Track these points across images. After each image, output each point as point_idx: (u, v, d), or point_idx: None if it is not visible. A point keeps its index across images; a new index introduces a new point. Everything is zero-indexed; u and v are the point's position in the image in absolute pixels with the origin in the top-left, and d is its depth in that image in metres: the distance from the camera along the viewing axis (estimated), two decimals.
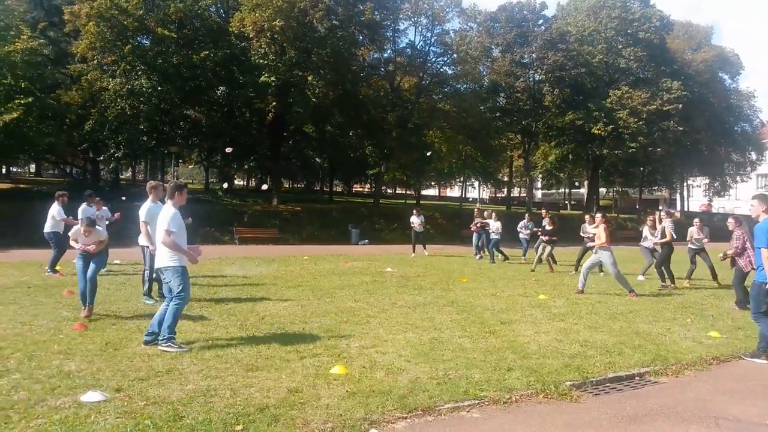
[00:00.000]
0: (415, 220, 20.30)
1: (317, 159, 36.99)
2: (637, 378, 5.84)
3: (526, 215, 20.25)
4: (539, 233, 16.28)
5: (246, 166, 36.00)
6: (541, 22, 43.05)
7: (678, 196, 68.03)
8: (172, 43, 26.23)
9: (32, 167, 57.50)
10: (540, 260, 15.75)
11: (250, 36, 26.49)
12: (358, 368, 5.62)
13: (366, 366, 5.70)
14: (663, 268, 12.68)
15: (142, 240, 8.69)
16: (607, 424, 4.54)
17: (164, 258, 6.36)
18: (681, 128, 40.13)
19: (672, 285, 12.48)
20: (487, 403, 4.87)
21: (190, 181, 67.74)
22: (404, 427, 4.32)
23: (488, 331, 7.42)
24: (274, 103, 26.96)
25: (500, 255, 18.23)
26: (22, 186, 34.41)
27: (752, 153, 54.95)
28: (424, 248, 20.45)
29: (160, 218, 6.41)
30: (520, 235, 18.82)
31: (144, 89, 25.08)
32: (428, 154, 32.67)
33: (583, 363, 6.05)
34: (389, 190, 69.87)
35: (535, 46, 39.52)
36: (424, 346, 6.54)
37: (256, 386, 4.99)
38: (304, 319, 7.82)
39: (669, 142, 40.93)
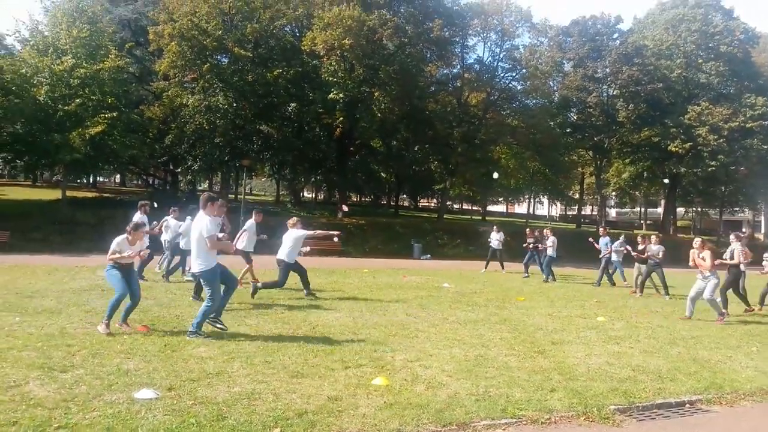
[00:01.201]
0: (494, 237, 20.21)
1: (382, 173, 37.43)
2: (687, 405, 5.63)
3: (622, 236, 18.60)
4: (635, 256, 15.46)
5: (313, 179, 36.92)
6: (616, 36, 42.02)
7: (762, 218, 64.07)
8: (248, 61, 27.47)
9: (117, 178, 61.35)
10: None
11: (321, 54, 27.32)
12: (399, 380, 5.73)
13: (408, 379, 5.80)
14: (733, 291, 12.01)
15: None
16: None
17: (195, 264, 7.28)
18: (766, 146, 37.89)
19: (749, 308, 11.86)
20: (524, 422, 4.86)
21: (263, 193, 70.11)
22: None
23: (537, 351, 7.34)
24: (341, 119, 27.62)
25: (550, 275, 17.73)
26: (106, 195, 36.80)
27: None
28: (502, 266, 20.03)
29: (195, 227, 7.22)
30: (614, 257, 17.21)
31: (220, 105, 26.34)
32: (495, 176, 32.36)
33: (632, 387, 5.89)
34: (456, 206, 69.53)
35: (608, 60, 38.51)
36: (469, 362, 6.56)
37: (299, 392, 5.20)
38: (354, 331, 8.00)
39: (752, 160, 38.74)
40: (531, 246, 19.04)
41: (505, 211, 74.54)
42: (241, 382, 5.37)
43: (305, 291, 11.17)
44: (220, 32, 26.57)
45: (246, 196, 49.95)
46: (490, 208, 75.31)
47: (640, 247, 14.90)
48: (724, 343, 8.46)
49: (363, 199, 65.12)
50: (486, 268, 20.11)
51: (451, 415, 4.81)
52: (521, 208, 77.95)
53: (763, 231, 61.52)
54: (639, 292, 14.50)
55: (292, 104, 28.19)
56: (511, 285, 15.85)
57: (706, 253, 10.56)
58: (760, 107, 38.33)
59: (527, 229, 21.43)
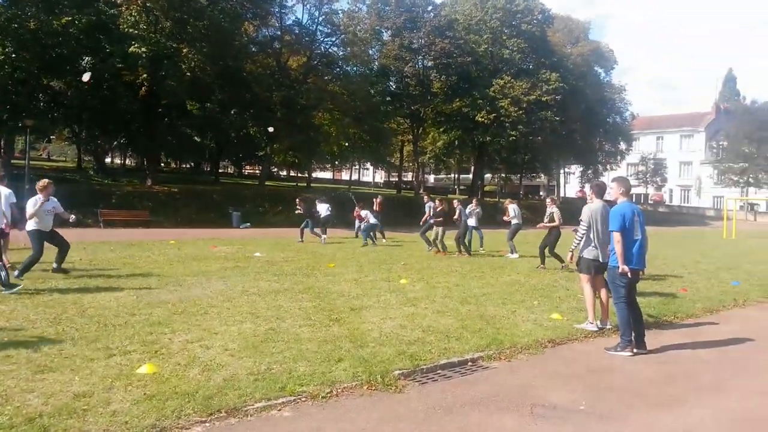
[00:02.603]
0: (322, 207, 19.97)
1: (197, 138, 35.09)
2: (470, 363, 5.74)
3: (474, 200, 18.28)
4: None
5: (115, 143, 33.45)
6: (430, 8, 43.49)
7: (556, 183, 72.32)
8: (31, 6, 23.63)
9: None
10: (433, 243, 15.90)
11: (119, 3, 24.41)
12: (171, 366, 5.07)
13: (182, 363, 5.16)
14: (548, 251, 13.00)
15: None
16: (422, 416, 4.34)
17: None
18: (558, 118, 42.28)
19: (543, 266, 12.90)
20: (303, 399, 4.52)
21: (64, 159, 62.36)
22: None
23: (334, 318, 7.12)
24: (145, 76, 25.10)
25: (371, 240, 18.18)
26: None
27: (622, 143, 59.26)
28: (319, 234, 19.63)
29: None
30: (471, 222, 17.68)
31: None
32: (270, 129, 29.98)
33: (419, 350, 5.87)
34: (282, 173, 68.34)
35: (423, 32, 39.81)
36: (258, 337, 6.10)
37: (39, 390, 4.33)
38: (133, 311, 7.09)
39: (547, 131, 43.04)
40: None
41: (332, 177, 75.11)
42: None
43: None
44: None
45: (38, 163, 43.95)
46: (318, 174, 75.37)
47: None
48: (510, 299, 9.00)
49: (183, 165, 61.19)
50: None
51: (222, 401, 4.31)
52: (347, 175, 79.22)
53: (555, 194, 69.40)
54: (440, 251, 15.34)
55: (86, 57, 24.91)
56: (325, 252, 15.70)
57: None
58: (554, 82, 42.49)
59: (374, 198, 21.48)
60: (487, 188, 64.81)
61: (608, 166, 59.76)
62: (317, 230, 18.97)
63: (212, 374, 4.91)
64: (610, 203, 6.79)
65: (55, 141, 51.29)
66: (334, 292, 9.06)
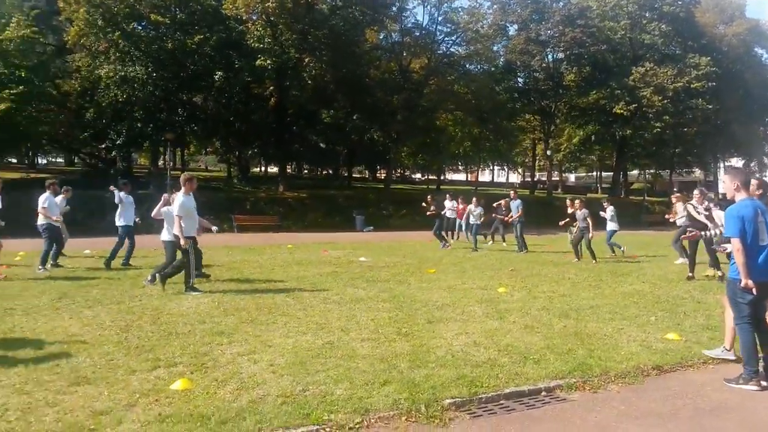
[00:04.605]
0: (447, 205, 19.33)
1: (321, 144, 36.12)
2: (543, 393, 4.84)
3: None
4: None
5: (249, 153, 35.46)
6: None
7: (713, 178, 65.03)
8: (166, 28, 25.73)
9: (58, 158, 58.32)
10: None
11: (245, 18, 25.76)
12: (208, 382, 4.79)
13: (219, 379, 4.86)
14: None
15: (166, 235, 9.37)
16: None
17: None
18: (711, 106, 37.87)
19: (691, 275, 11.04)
20: (327, 429, 4.00)
21: (219, 169, 67.74)
22: None
23: (403, 332, 6.50)
24: (271, 88, 26.24)
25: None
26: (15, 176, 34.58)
27: None
28: (450, 237, 19.10)
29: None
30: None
31: (138, 75, 24.61)
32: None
33: (485, 373, 5.08)
34: (416, 176, 68.71)
35: (552, 23, 37.59)
36: (311, 352, 5.67)
37: (62, 405, 4.22)
38: (204, 319, 7.01)
39: (698, 121, 38.77)
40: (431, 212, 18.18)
41: (466, 179, 73.91)
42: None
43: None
44: None
45: (203, 172, 48.14)
46: (452, 177, 74.65)
47: (569, 211, 14.44)
48: (621, 314, 7.77)
49: (321, 172, 63.61)
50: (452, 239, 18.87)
51: (235, 426, 3.90)
52: (484, 177, 77.52)
53: (714, 190, 62.43)
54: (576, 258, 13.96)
55: (218, 73, 26.62)
56: (434, 256, 15.07)
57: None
58: (704, 67, 38.20)
59: (429, 197, 20.06)
60: (635, 186, 59.92)
61: None
62: (443, 233, 17.94)
63: (243, 394, 4.54)
64: (728, 202, 5.47)
65: (210, 153, 55.70)
66: (419, 300, 8.45)
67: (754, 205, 5.14)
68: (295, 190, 32.48)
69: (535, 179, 53.84)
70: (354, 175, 59.96)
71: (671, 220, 13.21)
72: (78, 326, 6.63)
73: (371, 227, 27.99)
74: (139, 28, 25.71)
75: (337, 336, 6.29)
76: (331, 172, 60.76)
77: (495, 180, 73.53)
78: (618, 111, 37.35)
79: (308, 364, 5.27)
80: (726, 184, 5.47)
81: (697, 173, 64.47)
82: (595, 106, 39.35)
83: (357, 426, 4.04)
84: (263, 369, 5.14)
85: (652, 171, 56.64)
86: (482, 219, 17.27)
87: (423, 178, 64.16)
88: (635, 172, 65.18)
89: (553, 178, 55.27)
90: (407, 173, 66.50)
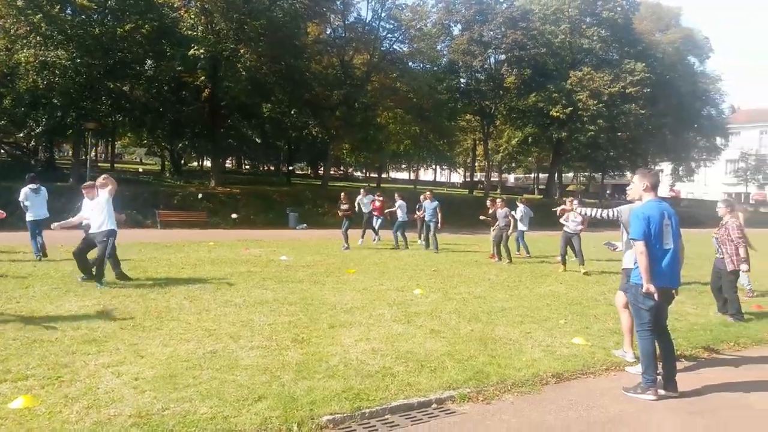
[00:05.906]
0: (364, 201, 17.83)
1: (257, 139, 35.12)
2: (434, 405, 4.51)
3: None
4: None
5: (180, 145, 34.10)
6: None
7: None
8: (95, 13, 24.30)
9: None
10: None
11: (178, 6, 24.62)
12: (56, 399, 4.19)
13: (71, 396, 4.27)
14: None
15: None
16: None
17: None
18: (644, 111, 38.98)
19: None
20: None
21: (153, 163, 65.18)
22: None
23: (299, 339, 6.05)
24: (203, 78, 25.19)
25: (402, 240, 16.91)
26: None
27: (718, 138, 54.05)
28: (364, 234, 18.06)
29: None
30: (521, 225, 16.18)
31: (60, 61, 23.08)
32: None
33: (374, 385, 4.69)
34: (358, 174, 68.14)
35: (495, 24, 37.82)
36: (187, 363, 5.12)
37: None
38: (80, 324, 6.31)
39: (631, 125, 39.85)
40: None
41: (408, 178, 73.98)
42: None
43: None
44: None
45: (126, 166, 46.00)
46: (396, 175, 74.46)
47: (490, 212, 14.38)
48: (532, 316, 7.57)
49: (262, 168, 62.17)
50: (363, 238, 17.96)
51: None
52: (427, 176, 77.72)
53: None
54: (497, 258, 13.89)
55: (149, 61, 25.33)
56: (357, 256, 14.63)
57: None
58: (639, 73, 39.19)
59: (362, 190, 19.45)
60: (570, 187, 61.44)
61: (702, 163, 54.92)
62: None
63: (92, 413, 3.98)
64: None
65: (141, 145, 53.41)
66: (328, 303, 8.00)
67: (660, 207, 4.95)
68: (228, 186, 31.41)
69: (475, 179, 54.39)
70: (298, 172, 59.03)
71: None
72: None
73: (304, 225, 27.30)
74: (64, 13, 24.04)
75: (224, 344, 5.78)
76: (272, 168, 59.60)
77: (437, 179, 74.03)
78: (555, 114, 37.92)
79: (179, 378, 4.74)
80: (635, 184, 5.30)
81: (629, 176, 66.76)
82: (534, 109, 39.83)
83: None
84: (125, 383, 4.58)
85: (586, 173, 58.17)
86: (408, 216, 17.05)
87: (365, 176, 63.74)
88: (570, 174, 66.89)
89: (492, 179, 56.05)
90: (350, 171, 65.89)
